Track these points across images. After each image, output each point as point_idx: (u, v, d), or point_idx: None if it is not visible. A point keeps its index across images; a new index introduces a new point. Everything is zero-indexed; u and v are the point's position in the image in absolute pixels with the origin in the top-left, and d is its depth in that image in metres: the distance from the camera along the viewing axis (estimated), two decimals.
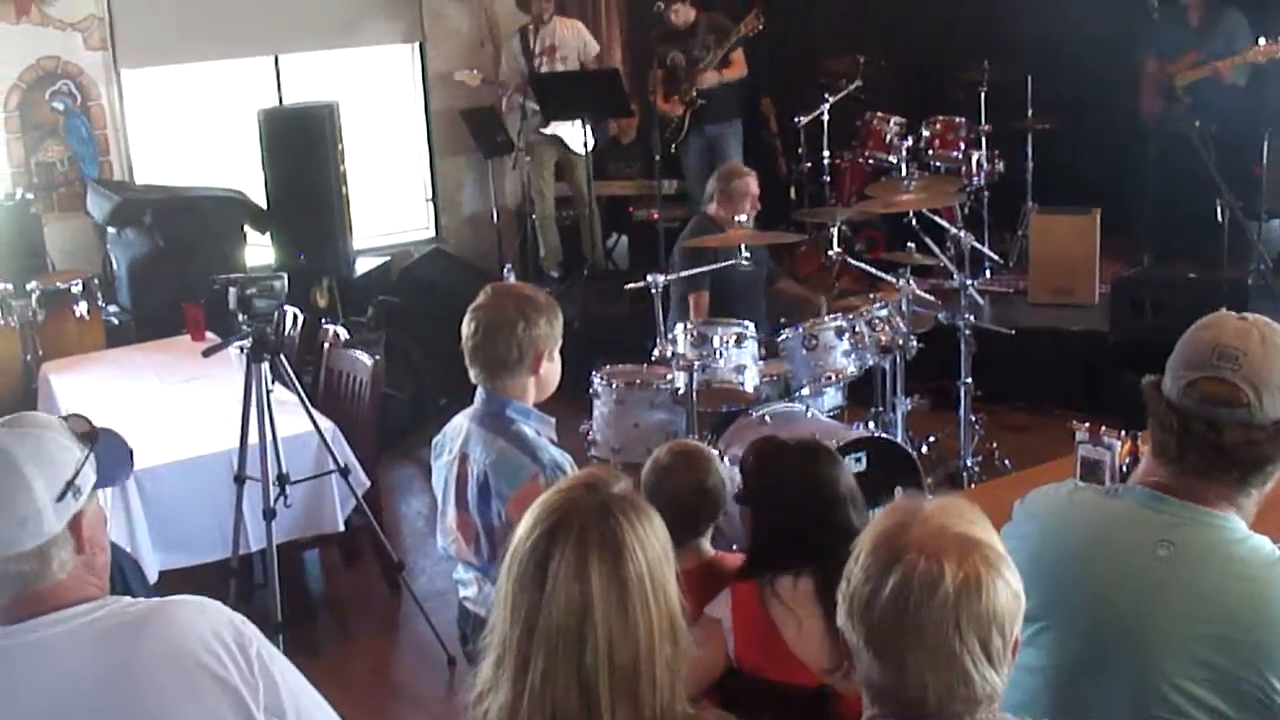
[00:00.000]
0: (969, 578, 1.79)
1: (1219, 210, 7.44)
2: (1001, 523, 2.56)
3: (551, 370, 3.47)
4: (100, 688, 2.04)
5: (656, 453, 3.47)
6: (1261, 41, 7.56)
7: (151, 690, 2.05)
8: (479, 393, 3.47)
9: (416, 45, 9.91)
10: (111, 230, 8.20)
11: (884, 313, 6.01)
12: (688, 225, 6.80)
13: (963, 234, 6.84)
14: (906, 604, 1.79)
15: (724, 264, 6.09)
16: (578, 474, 2.20)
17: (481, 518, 3.39)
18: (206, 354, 5.22)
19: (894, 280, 6.29)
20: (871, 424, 6.19)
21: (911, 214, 7.06)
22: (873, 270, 6.81)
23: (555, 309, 3.46)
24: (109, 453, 2.22)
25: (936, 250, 6.73)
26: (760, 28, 8.24)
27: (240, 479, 5.05)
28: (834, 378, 5.83)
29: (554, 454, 3.37)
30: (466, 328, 3.41)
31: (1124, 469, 3.61)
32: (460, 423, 3.51)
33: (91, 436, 2.19)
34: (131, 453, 2.36)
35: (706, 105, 8.65)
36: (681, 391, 5.54)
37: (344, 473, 5.30)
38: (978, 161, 8.47)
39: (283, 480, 5.06)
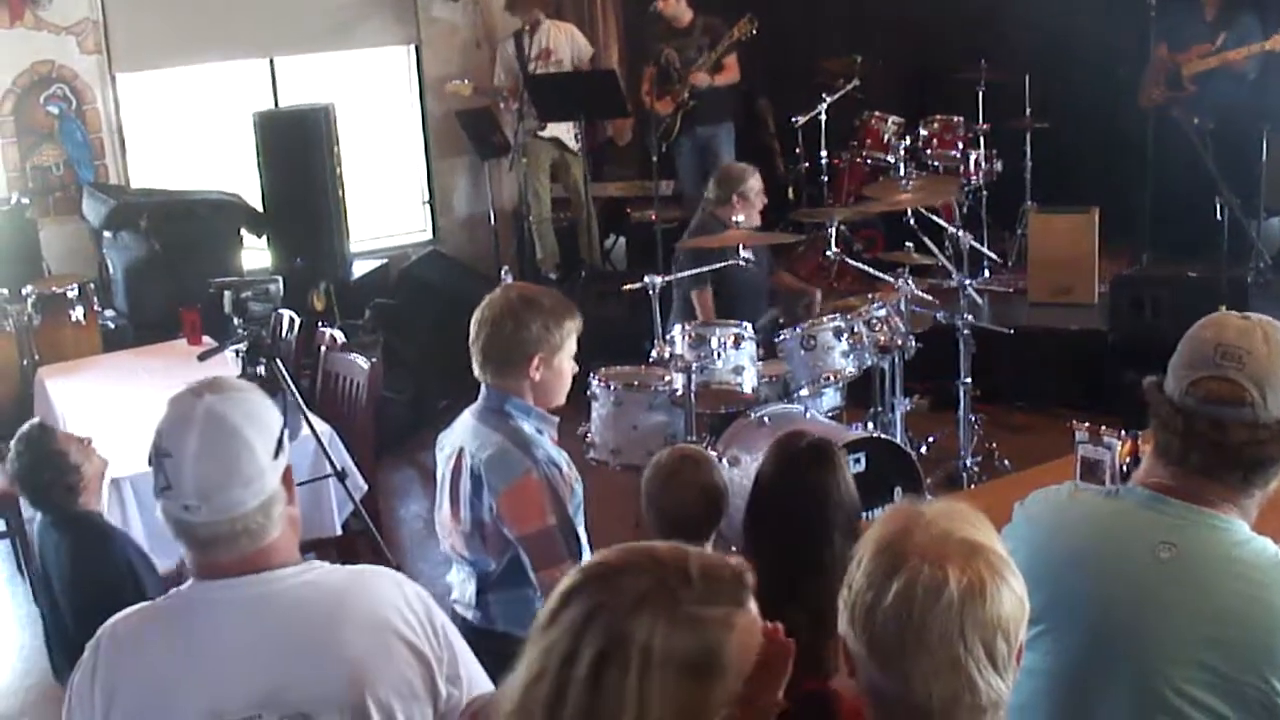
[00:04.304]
0: (973, 583, 1.76)
1: (1218, 208, 7.42)
2: (1001, 524, 2.54)
3: (548, 377, 3.41)
4: (305, 645, 2.14)
5: (658, 457, 3.44)
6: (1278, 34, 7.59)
7: (352, 652, 2.15)
8: (482, 388, 3.47)
9: (412, 47, 9.91)
10: (107, 234, 8.20)
11: (882, 313, 6.00)
12: (692, 224, 6.78)
13: (961, 233, 6.82)
14: (910, 610, 1.76)
15: (727, 263, 6.08)
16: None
17: (473, 511, 3.40)
18: (202, 358, 5.19)
19: (892, 280, 6.27)
20: (870, 424, 6.17)
21: (910, 213, 7.04)
22: (871, 270, 6.78)
23: (560, 314, 3.40)
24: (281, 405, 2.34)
25: (935, 250, 6.71)
26: (754, 32, 8.26)
27: None
28: (832, 378, 5.81)
29: (550, 451, 3.38)
30: (472, 323, 3.42)
31: (1124, 469, 3.60)
32: (464, 418, 3.52)
33: (272, 390, 2.27)
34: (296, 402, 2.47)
35: (698, 106, 8.65)
36: (680, 393, 5.52)
37: (341, 476, 5.27)
38: (976, 161, 8.46)
39: None
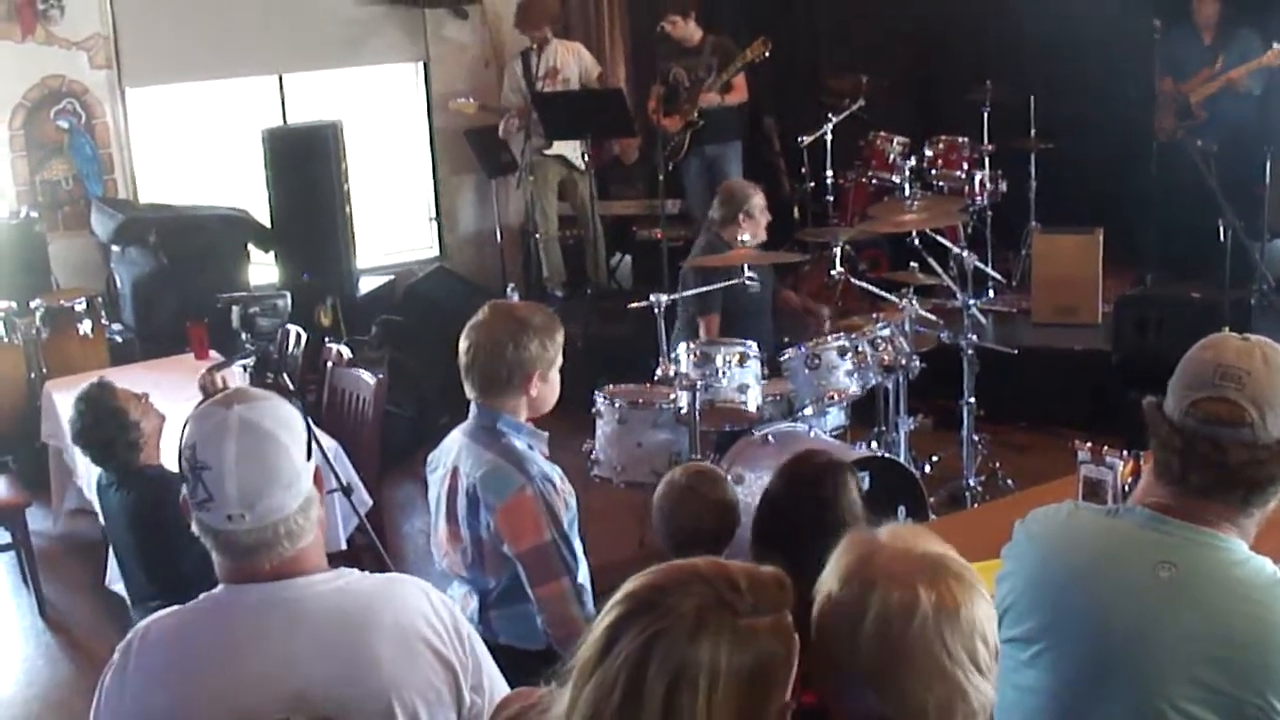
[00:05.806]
0: (943, 595, 1.80)
1: (1221, 229, 7.44)
2: (1004, 543, 2.56)
3: (545, 390, 3.49)
4: (335, 650, 2.16)
5: (670, 475, 3.49)
6: (1276, 45, 7.61)
7: (381, 657, 2.17)
8: (472, 407, 3.51)
9: (420, 65, 9.94)
10: (116, 249, 8.23)
11: (887, 332, 6.00)
12: (696, 245, 6.79)
13: (966, 253, 6.82)
14: (889, 634, 1.80)
15: (732, 282, 6.08)
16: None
17: (470, 530, 3.43)
18: (210, 372, 5.22)
19: (897, 300, 6.28)
20: (874, 444, 6.18)
21: (915, 234, 7.06)
22: (876, 290, 6.80)
23: (552, 329, 3.47)
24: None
25: (939, 270, 6.72)
26: (766, 54, 8.28)
27: None
28: (837, 397, 5.82)
29: (543, 466, 3.41)
30: (462, 345, 3.45)
31: (1126, 489, 3.61)
32: (455, 437, 3.55)
33: (286, 392, 2.29)
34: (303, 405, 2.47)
35: (706, 125, 8.68)
36: (684, 411, 5.53)
37: (346, 491, 5.27)
38: (981, 181, 8.48)
39: None
